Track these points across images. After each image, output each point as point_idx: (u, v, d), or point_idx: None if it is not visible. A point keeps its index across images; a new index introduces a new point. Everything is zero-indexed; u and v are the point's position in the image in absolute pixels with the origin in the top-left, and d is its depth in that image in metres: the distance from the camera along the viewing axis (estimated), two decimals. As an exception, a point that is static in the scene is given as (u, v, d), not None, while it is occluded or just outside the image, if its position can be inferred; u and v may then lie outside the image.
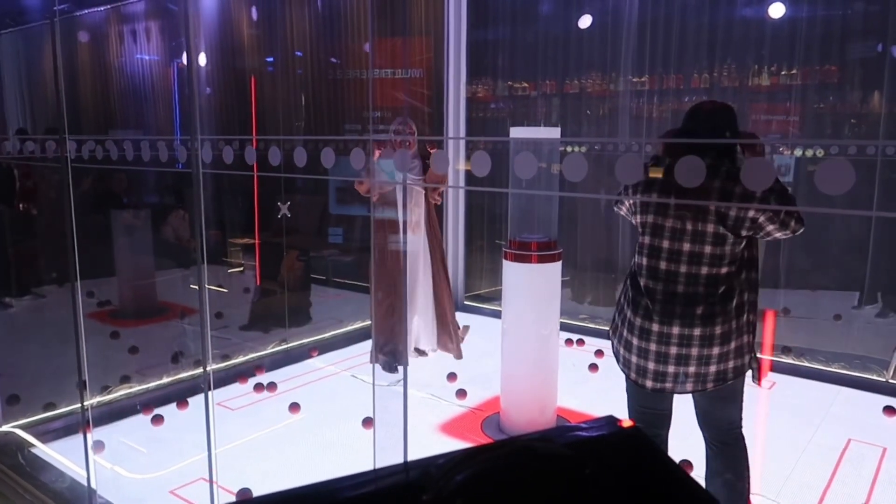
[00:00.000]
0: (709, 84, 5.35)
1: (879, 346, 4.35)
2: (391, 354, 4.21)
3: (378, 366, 4.17)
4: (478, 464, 0.66)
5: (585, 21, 5.57)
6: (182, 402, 3.77)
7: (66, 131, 2.59)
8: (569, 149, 5.19)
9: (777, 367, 4.39)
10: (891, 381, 4.12)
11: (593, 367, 4.45)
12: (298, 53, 7.11)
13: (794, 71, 5.03)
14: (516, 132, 3.44)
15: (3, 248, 6.26)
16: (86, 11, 9.53)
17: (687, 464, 2.70)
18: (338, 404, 3.88)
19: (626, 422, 0.78)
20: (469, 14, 5.79)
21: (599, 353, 4.74)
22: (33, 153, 2.85)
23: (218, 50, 7.64)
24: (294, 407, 3.75)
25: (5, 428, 3.42)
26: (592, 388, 4.17)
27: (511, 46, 6.07)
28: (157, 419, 3.57)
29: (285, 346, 4.83)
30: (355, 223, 6.60)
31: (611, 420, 0.79)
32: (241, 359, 4.55)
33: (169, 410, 3.74)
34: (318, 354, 4.73)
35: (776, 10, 4.87)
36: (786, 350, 4.52)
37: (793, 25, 4.87)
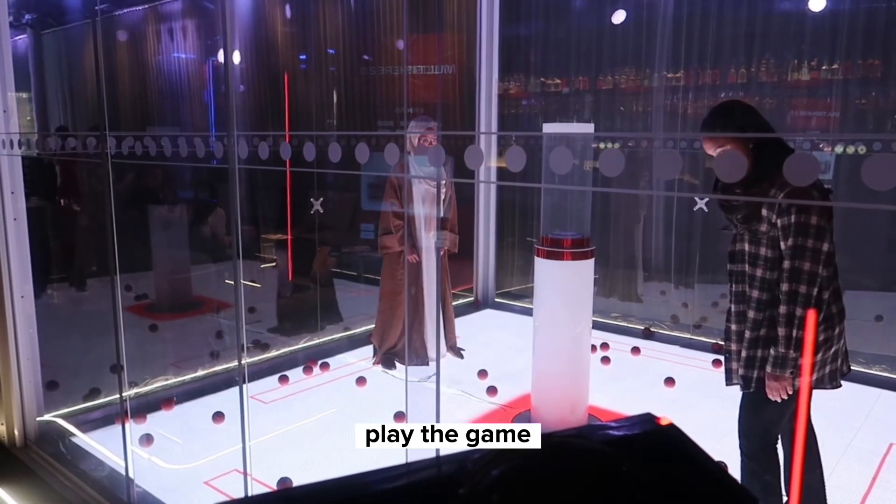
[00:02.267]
0: (746, 79, 5.24)
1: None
2: (392, 354, 4.31)
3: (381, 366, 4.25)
4: (514, 459, 0.65)
5: (619, 16, 5.51)
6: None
7: (106, 128, 2.64)
8: (602, 145, 5.14)
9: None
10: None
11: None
12: (331, 51, 7.16)
13: (835, 65, 4.91)
14: (549, 128, 3.41)
15: (44, 242, 6.43)
16: (125, 11, 9.73)
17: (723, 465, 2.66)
18: (369, 399, 3.90)
19: (665, 419, 0.76)
20: (501, 10, 5.76)
21: (636, 350, 4.70)
22: (75, 149, 2.92)
23: (252, 48, 7.74)
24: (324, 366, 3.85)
25: (47, 417, 3.51)
26: (624, 386, 4.13)
27: (544, 42, 6.03)
28: (219, 416, 3.60)
29: (317, 341, 4.87)
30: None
31: (648, 417, 0.77)
32: (273, 353, 4.61)
33: (203, 402, 3.81)
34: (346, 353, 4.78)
35: (817, 3, 4.75)
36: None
37: (834, 18, 4.74)
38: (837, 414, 3.68)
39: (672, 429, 0.75)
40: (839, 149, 4.96)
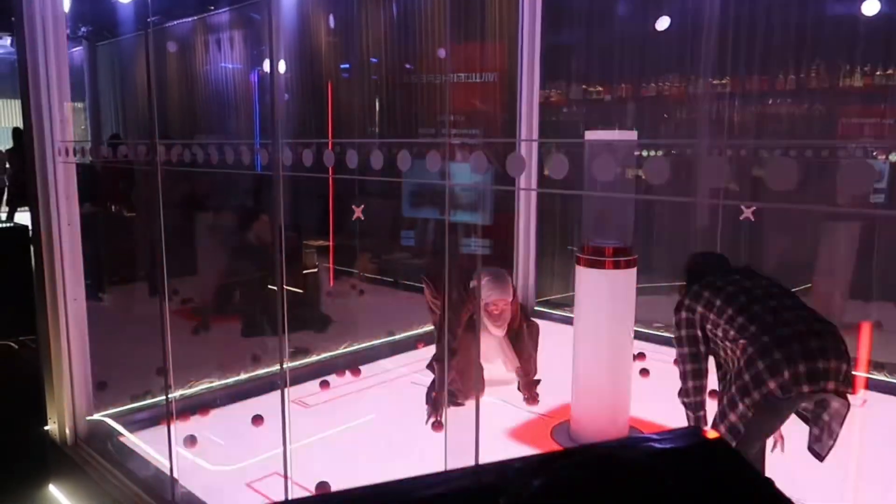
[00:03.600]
0: (795, 86, 5.12)
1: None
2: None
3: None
4: (556, 469, 0.64)
5: (663, 23, 5.44)
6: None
7: (156, 136, 2.72)
8: (645, 153, 5.07)
9: (871, 385, 4.14)
10: None
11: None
12: (374, 60, 7.24)
13: (889, 71, 4.75)
14: (591, 134, 3.38)
15: (96, 247, 6.64)
16: (175, 23, 10.01)
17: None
18: (409, 406, 3.91)
19: (712, 433, 0.75)
20: (544, 17, 5.74)
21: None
22: (127, 157, 3.01)
23: (297, 57, 7.88)
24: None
25: (96, 416, 3.61)
26: (666, 398, 4.04)
27: (586, 49, 5.99)
28: (258, 419, 3.65)
29: (356, 347, 4.91)
30: (427, 226, 6.64)
31: (695, 431, 0.76)
32: (314, 358, 4.66)
33: (246, 405, 3.87)
34: (423, 346, 4.82)
35: (870, 7, 4.62)
36: (878, 367, 4.26)
37: (889, 22, 4.60)
38: (892, 430, 3.54)
39: (720, 443, 0.73)
40: (894, 156, 4.80)
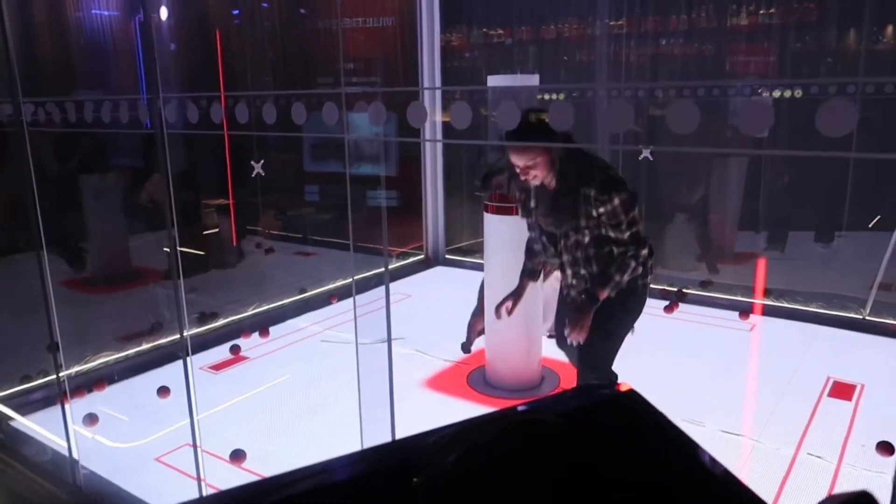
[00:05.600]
0: (687, 26, 5.25)
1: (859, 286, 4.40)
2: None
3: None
4: (469, 441, 0.61)
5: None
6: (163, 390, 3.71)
7: (19, 94, 2.45)
8: (547, 96, 5.08)
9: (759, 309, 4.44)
10: (868, 318, 4.19)
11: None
12: (265, 4, 6.84)
13: (772, 10, 4.95)
14: (494, 80, 3.33)
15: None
16: (38, -35, 9.07)
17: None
18: (322, 364, 3.85)
19: (624, 385, 0.74)
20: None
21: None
22: (-13, 117, 2.71)
23: (181, 2, 7.33)
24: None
25: (-18, 402, 3.35)
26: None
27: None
28: (164, 391, 3.48)
29: (267, 307, 4.77)
30: (330, 180, 6.47)
31: (607, 385, 0.75)
32: (221, 322, 4.50)
33: (150, 377, 3.70)
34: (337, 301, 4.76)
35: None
36: (766, 292, 4.56)
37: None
38: (778, 350, 3.82)
39: (632, 395, 0.72)
40: (777, 93, 5.04)
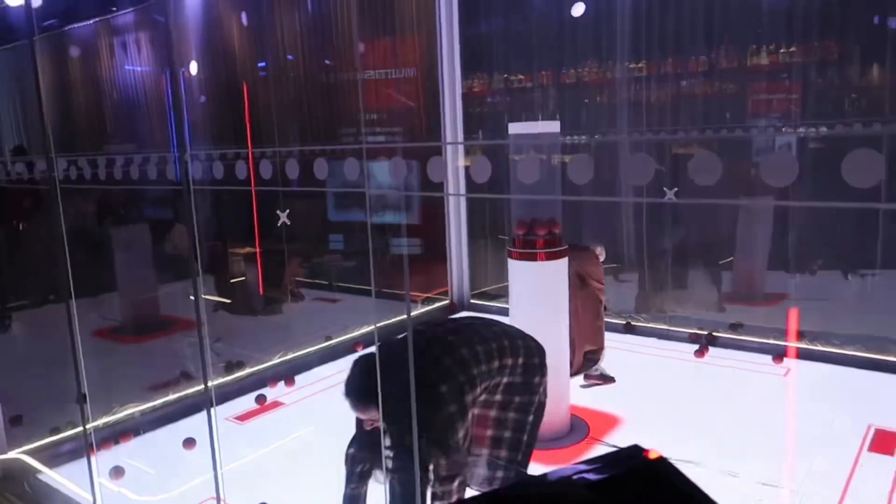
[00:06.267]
0: (707, 66, 5.26)
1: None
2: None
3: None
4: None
5: (578, 9, 5.48)
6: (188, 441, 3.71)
7: (52, 149, 2.52)
8: (568, 139, 5.11)
9: (792, 352, 4.32)
10: None
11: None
12: (290, 57, 7.03)
13: (792, 49, 4.94)
14: (515, 128, 3.35)
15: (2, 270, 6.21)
16: (76, 26, 9.47)
17: None
18: (348, 414, 3.80)
19: (654, 452, 0.71)
20: (461, 8, 5.69)
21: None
22: (21, 175, 2.79)
23: (210, 57, 7.57)
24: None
25: (11, 454, 3.36)
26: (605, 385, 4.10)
27: (505, 39, 5.98)
28: (190, 442, 3.45)
29: (292, 356, 4.77)
30: (354, 228, 6.53)
31: (635, 451, 0.72)
32: (247, 371, 4.50)
33: (176, 428, 3.69)
34: (362, 349, 4.73)
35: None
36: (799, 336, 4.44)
37: (791, 1, 4.78)
38: (815, 395, 3.69)
39: (661, 463, 0.69)
40: (801, 131, 5.00)
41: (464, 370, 2.18)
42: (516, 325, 3.38)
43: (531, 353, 2.37)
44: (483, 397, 2.31)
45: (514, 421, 2.35)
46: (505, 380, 2.31)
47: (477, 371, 2.22)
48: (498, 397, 2.34)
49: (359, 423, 2.32)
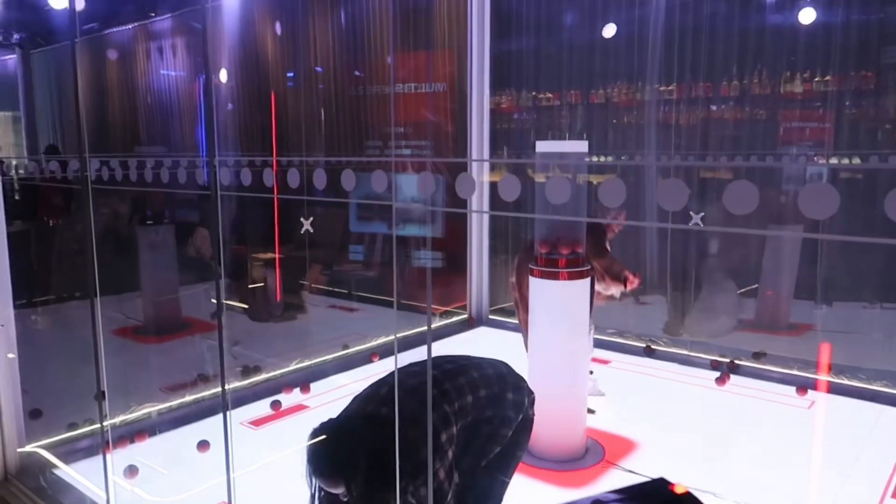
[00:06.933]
0: (739, 91, 5.22)
1: None
2: None
3: None
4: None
5: (610, 30, 5.49)
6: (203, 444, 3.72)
7: (86, 151, 2.57)
8: (594, 158, 5.09)
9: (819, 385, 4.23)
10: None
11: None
12: (319, 69, 7.11)
13: (827, 77, 4.89)
14: (542, 146, 3.35)
15: (32, 264, 6.32)
16: (115, 30, 9.68)
17: None
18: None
19: (680, 487, 0.69)
20: (492, 25, 5.72)
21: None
22: (54, 174, 2.84)
23: (241, 65, 7.69)
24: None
25: (29, 448, 3.39)
26: (622, 406, 4.05)
27: (535, 57, 6.00)
28: (204, 445, 3.46)
29: (309, 363, 4.78)
30: (377, 238, 6.55)
31: (661, 484, 0.70)
32: (263, 376, 4.51)
33: (191, 430, 3.71)
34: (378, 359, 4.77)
35: (806, 16, 4.75)
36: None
37: (826, 30, 4.73)
38: (840, 430, 3.61)
39: (687, 497, 0.67)
40: (834, 160, 4.93)
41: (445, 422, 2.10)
42: (536, 343, 3.36)
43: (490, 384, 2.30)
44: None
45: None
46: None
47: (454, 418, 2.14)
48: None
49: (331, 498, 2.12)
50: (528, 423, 2.39)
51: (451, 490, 2.07)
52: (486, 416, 2.23)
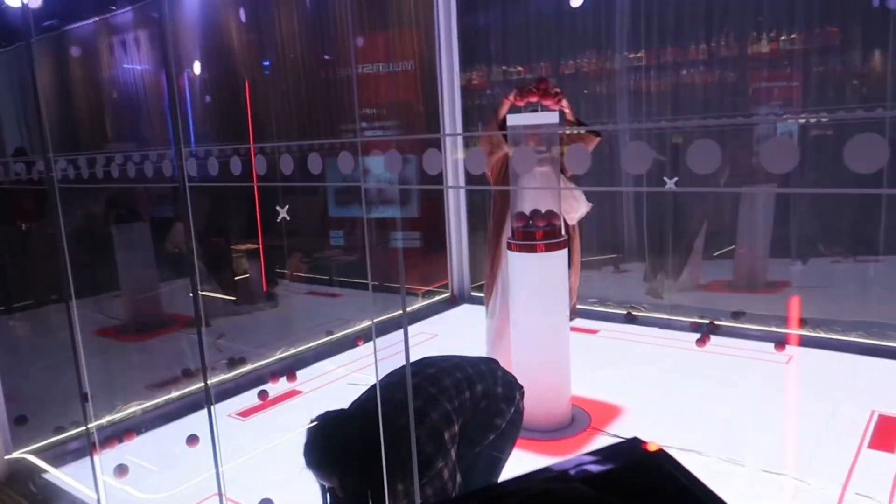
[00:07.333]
0: (707, 55, 5.23)
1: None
2: None
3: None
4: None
5: (577, 0, 5.46)
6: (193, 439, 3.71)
7: (49, 150, 2.52)
8: (568, 130, 5.08)
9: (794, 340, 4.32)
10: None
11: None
12: (292, 56, 7.01)
13: (793, 35, 4.91)
14: (514, 119, 3.34)
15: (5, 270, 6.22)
16: (76, 25, 9.44)
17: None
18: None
19: (653, 445, 0.70)
20: (459, 1, 5.67)
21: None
22: (19, 175, 2.79)
23: (209, 55, 7.55)
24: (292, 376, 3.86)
25: (16, 454, 3.37)
26: (606, 374, 4.10)
27: (503, 31, 5.96)
28: (193, 439, 3.45)
29: (293, 351, 4.78)
30: (354, 223, 6.52)
31: (634, 444, 0.71)
32: (249, 367, 4.50)
33: (179, 425, 3.70)
34: (363, 343, 4.79)
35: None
36: (801, 322, 4.44)
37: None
38: (818, 383, 3.69)
39: (661, 455, 0.69)
40: (802, 120, 4.97)
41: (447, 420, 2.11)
42: (517, 317, 3.39)
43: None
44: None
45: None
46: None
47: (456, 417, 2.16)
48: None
49: (329, 491, 2.14)
50: (518, 415, 2.44)
51: (454, 490, 2.08)
52: (481, 408, 2.26)
